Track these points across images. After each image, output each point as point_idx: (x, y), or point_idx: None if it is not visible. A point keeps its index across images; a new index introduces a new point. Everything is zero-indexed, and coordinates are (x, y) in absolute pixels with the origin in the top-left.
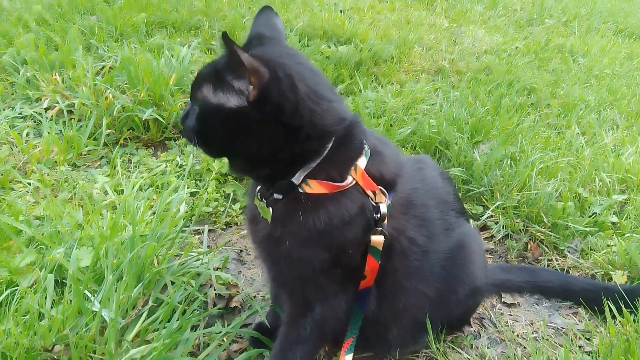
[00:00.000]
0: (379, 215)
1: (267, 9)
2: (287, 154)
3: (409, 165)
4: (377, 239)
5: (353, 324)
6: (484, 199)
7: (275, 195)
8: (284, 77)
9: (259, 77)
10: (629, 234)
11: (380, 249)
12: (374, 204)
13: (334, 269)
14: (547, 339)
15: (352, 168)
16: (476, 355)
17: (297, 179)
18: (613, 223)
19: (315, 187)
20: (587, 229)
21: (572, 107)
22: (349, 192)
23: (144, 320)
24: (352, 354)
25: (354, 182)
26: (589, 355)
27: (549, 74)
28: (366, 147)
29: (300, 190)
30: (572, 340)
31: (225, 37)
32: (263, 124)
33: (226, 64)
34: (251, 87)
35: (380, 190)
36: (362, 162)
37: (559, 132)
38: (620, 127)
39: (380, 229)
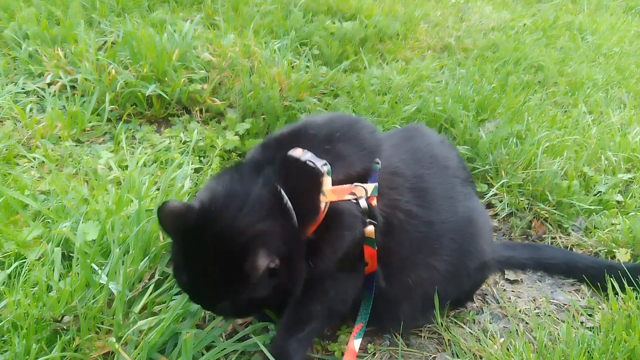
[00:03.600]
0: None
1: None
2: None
3: (395, 138)
4: (369, 229)
5: (363, 309)
6: (488, 177)
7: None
8: (268, 237)
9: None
10: (633, 213)
11: (373, 237)
12: (354, 201)
13: (345, 265)
14: (549, 315)
15: (320, 197)
16: (478, 329)
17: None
18: (618, 202)
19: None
20: (592, 208)
21: (580, 85)
22: (331, 213)
23: (151, 293)
24: (360, 338)
25: (327, 204)
26: (591, 330)
27: (557, 51)
28: (322, 166)
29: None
30: (574, 316)
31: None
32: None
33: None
34: (272, 264)
35: (356, 185)
36: (327, 183)
37: (566, 111)
38: (628, 106)
39: (368, 220)
